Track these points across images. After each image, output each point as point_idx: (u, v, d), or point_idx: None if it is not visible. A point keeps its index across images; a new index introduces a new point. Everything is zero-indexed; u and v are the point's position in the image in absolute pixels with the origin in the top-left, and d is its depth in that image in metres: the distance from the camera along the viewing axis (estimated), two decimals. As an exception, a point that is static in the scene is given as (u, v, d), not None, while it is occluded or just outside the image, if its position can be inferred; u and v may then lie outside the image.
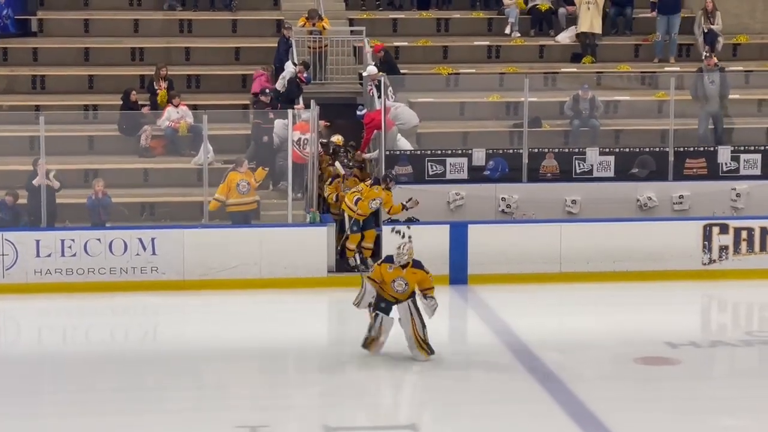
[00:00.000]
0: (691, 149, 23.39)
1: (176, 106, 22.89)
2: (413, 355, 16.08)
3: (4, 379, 15.84)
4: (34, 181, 21.08)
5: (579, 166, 23.09)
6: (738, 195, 22.66)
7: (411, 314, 15.72)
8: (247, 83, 24.35)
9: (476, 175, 22.83)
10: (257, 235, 21.17)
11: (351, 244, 21.08)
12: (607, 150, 23.29)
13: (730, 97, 24.06)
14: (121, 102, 23.30)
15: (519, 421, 14.11)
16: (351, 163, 22.26)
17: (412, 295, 15.92)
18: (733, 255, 21.58)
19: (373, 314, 15.42)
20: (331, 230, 21.30)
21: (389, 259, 15.70)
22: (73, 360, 17.46)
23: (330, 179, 22.12)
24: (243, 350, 17.78)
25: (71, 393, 15.62)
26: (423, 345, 15.66)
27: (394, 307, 15.74)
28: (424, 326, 15.68)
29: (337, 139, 23.07)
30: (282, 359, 17.39)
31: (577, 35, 25.73)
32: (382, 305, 15.68)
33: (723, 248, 21.53)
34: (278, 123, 22.47)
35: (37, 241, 20.59)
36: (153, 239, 20.61)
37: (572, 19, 25.76)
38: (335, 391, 15.70)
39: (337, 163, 22.37)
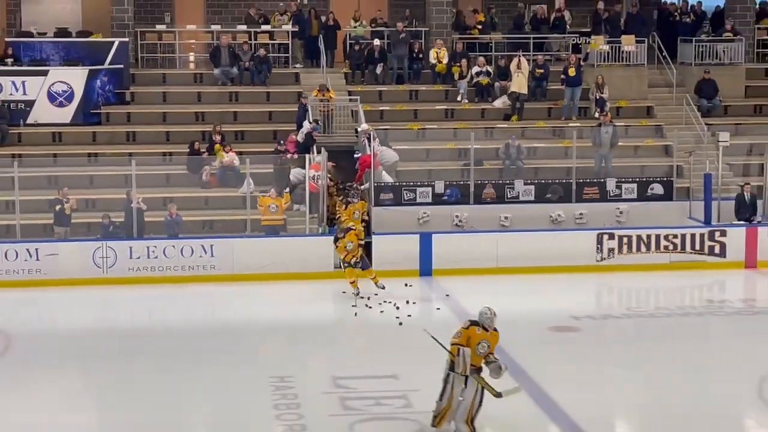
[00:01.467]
0: (588, 180, 23.44)
1: (227, 153, 22.99)
2: (456, 427, 12.60)
3: (107, 347, 16.21)
4: (132, 204, 21.19)
5: (509, 193, 23.21)
6: (621, 212, 22.83)
7: (476, 390, 12.40)
8: (278, 136, 24.23)
9: (437, 200, 22.95)
10: (284, 242, 21.37)
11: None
12: (529, 181, 23.35)
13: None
14: (188, 150, 23.44)
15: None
16: (353, 192, 22.07)
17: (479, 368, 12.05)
18: (618, 254, 21.72)
19: (446, 375, 11.69)
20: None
21: (476, 323, 12.32)
22: (156, 332, 17.72)
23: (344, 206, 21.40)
24: (274, 323, 18.02)
25: (156, 356, 16.00)
26: (470, 423, 12.37)
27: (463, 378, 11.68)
28: (480, 406, 12.26)
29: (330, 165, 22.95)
30: (301, 330, 17.34)
31: (509, 94, 25.57)
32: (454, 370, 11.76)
33: (611, 250, 21.67)
34: (294, 170, 22.60)
35: (130, 248, 20.68)
36: (212, 246, 20.73)
37: (504, 90, 25.72)
38: (340, 352, 15.97)
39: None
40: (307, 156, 22.35)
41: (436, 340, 12.18)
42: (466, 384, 11.41)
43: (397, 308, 18.07)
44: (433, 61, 26.63)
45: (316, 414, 12.77)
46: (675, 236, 21.84)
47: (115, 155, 23.46)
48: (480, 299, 18.93)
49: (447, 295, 19.97)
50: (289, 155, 23.03)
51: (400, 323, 17.01)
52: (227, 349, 16.16)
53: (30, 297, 19.65)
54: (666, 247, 21.81)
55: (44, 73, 24.61)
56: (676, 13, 28.93)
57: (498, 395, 11.65)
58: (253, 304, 19.04)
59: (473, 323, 11.94)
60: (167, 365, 15.47)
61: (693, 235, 21.67)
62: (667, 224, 22.04)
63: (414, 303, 18.74)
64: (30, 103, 24.46)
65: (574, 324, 17.64)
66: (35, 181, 22.26)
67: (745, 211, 22.40)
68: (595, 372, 15.11)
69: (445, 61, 26.50)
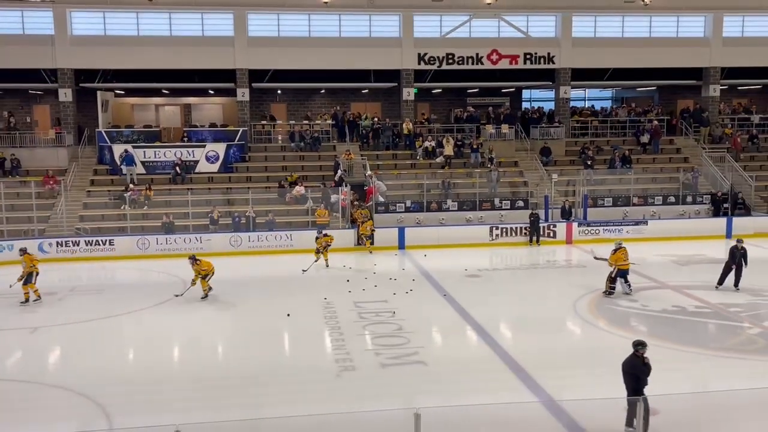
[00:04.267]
0: (485, 199, 23.13)
1: (299, 186, 22.91)
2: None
3: (233, 290, 15.50)
4: (248, 213, 21.32)
5: (444, 206, 22.91)
6: (502, 215, 22.55)
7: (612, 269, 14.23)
8: (324, 178, 23.94)
9: (407, 210, 22.61)
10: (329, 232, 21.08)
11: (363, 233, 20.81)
12: (455, 200, 23.14)
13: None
14: (278, 185, 23.27)
15: (428, 305, 14.53)
16: (366, 206, 22.04)
17: None
18: (500, 237, 21.66)
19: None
20: (354, 231, 21.15)
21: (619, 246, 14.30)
22: (264, 280, 17.27)
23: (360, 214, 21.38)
24: (321, 274, 17.75)
25: (263, 291, 15.77)
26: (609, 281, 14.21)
27: None
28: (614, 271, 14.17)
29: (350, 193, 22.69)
30: (335, 280, 16.92)
31: (443, 156, 25.14)
32: None
33: (497, 235, 21.65)
34: (333, 195, 22.39)
35: (248, 236, 20.80)
36: (291, 234, 20.79)
37: (440, 153, 25.28)
38: (358, 289, 15.59)
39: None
40: (339, 188, 22.51)
41: (600, 257, 14.71)
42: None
43: (392, 280, 16.57)
44: (405, 132, 26.17)
45: (346, 319, 13.29)
46: (527, 228, 21.59)
47: (239, 188, 23.31)
48: (430, 261, 19.37)
49: (425, 255, 19.65)
50: (330, 188, 22.96)
51: (303, 271, 17.35)
52: (301, 287, 16.15)
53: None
54: (525, 233, 21.66)
55: (203, 146, 24.54)
56: (529, 113, 28.98)
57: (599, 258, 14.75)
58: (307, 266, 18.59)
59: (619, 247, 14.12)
60: (269, 295, 15.47)
61: (540, 227, 21.54)
62: (525, 221, 21.70)
63: (403, 269, 18.26)
64: (196, 162, 24.41)
65: (477, 273, 17.63)
66: (199, 201, 22.30)
67: (566, 214, 22.48)
68: (488, 296, 15.37)
69: (410, 129, 26.19)
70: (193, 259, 14.80)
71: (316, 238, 18.70)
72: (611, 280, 14.34)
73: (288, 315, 13.19)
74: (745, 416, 8.50)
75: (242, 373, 10.30)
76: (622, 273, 14.30)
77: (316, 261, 18.15)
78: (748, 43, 27.77)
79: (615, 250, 14.36)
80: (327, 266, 18.35)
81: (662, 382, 9.43)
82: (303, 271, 17.35)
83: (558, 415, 8.36)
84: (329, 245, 18.56)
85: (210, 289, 14.86)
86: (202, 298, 14.72)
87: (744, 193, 24.11)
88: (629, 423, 7.31)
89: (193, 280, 14.72)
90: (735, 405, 8.65)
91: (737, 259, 14.40)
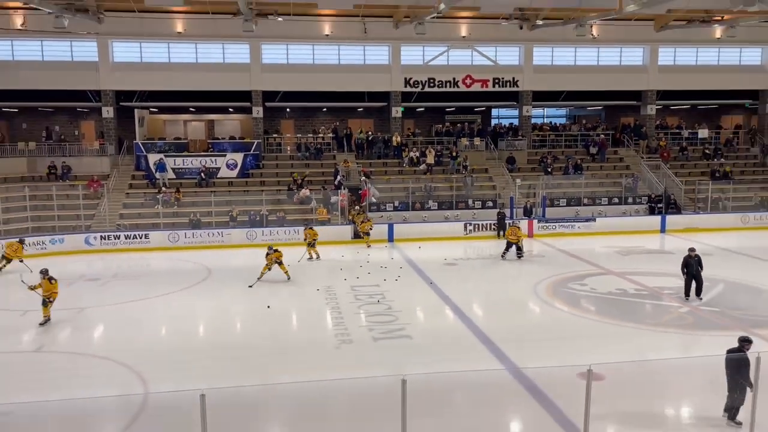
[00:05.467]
0: (460, 201, 23.08)
1: (305, 189, 22.64)
2: None
3: (248, 273, 15.30)
4: (262, 212, 21.16)
5: (426, 206, 22.81)
6: (474, 214, 22.48)
7: None
8: (326, 183, 23.64)
9: (395, 209, 22.54)
10: (328, 227, 20.86)
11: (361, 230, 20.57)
12: (435, 201, 23.03)
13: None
14: (287, 187, 23.01)
15: (413, 289, 14.43)
16: (361, 206, 21.99)
17: None
18: (474, 232, 21.57)
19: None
20: (351, 228, 20.95)
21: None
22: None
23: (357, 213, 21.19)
24: (324, 263, 17.47)
25: (271, 277, 15.30)
26: None
27: None
28: None
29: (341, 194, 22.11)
30: (334, 268, 16.63)
31: (426, 164, 24.90)
32: None
33: (470, 230, 21.50)
34: (333, 197, 22.19)
35: (262, 231, 20.46)
36: (298, 230, 20.11)
37: (423, 161, 25.03)
38: (353, 276, 15.47)
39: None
40: (338, 190, 22.35)
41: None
42: None
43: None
44: (394, 143, 25.98)
45: (344, 301, 13.20)
46: (495, 224, 21.38)
47: (254, 191, 23.01)
48: (414, 251, 19.20)
49: (419, 247, 19.38)
50: (331, 190, 22.78)
51: (250, 286, 14.31)
52: (306, 274, 15.84)
53: (217, 254, 19.23)
54: (493, 228, 21.48)
55: (224, 155, 24.24)
56: (497, 128, 28.86)
57: None
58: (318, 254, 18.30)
59: None
60: (279, 281, 14.93)
61: (506, 223, 21.37)
62: (494, 219, 21.52)
63: (392, 258, 18.00)
64: (218, 169, 23.93)
65: (454, 261, 17.51)
66: (220, 202, 22.12)
67: (527, 213, 22.38)
68: (463, 281, 15.24)
69: (398, 141, 25.97)
70: (271, 249, 14.85)
71: (304, 230, 18.27)
72: (506, 248, 17.61)
73: (268, 307, 12.53)
74: (677, 380, 8.74)
75: (257, 346, 10.30)
76: (511, 244, 17.45)
77: (309, 258, 17.70)
78: (679, 70, 27.95)
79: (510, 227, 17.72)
80: (318, 258, 17.77)
81: (607, 353, 9.59)
82: (249, 286, 14.42)
83: (520, 379, 8.49)
84: (315, 240, 17.79)
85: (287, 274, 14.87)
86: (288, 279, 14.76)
87: (675, 195, 24.27)
88: (732, 417, 6.71)
89: (268, 266, 14.67)
90: (668, 370, 8.83)
91: (693, 268, 12.32)
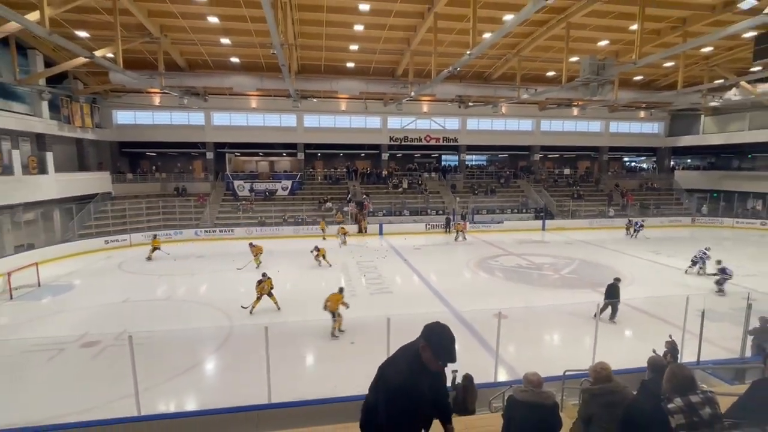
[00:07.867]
0: (438, 212, 22.51)
1: (329, 203, 21.97)
2: None
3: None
4: (300, 217, 20.34)
5: (404, 213, 22.21)
6: (431, 219, 21.77)
7: None
8: (341, 199, 22.85)
9: (384, 215, 21.81)
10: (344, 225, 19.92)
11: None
12: (417, 212, 22.45)
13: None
14: (318, 202, 22.39)
15: (394, 264, 13.50)
16: (363, 213, 21.34)
17: None
18: (431, 229, 20.79)
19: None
20: (357, 226, 20.28)
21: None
22: (298, 252, 14.68)
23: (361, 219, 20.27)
24: (342, 249, 16.20)
25: (292, 259, 13.87)
26: None
27: None
28: None
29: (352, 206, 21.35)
30: (346, 250, 15.71)
31: (403, 188, 24.06)
32: None
33: (429, 228, 20.70)
34: (345, 207, 21.57)
35: (295, 230, 19.87)
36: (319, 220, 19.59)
37: (402, 186, 24.11)
38: (358, 257, 14.57)
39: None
40: (350, 203, 21.76)
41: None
42: None
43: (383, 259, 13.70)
44: (383, 175, 25.47)
45: (353, 271, 12.76)
46: (460, 224, 18.73)
47: (297, 203, 22.43)
48: (401, 242, 18.61)
49: (405, 238, 17.58)
50: (344, 203, 22.20)
51: (243, 307, 9.19)
52: (329, 254, 14.05)
53: (274, 242, 17.28)
54: (442, 227, 20.56)
55: (280, 181, 23.50)
56: (446, 167, 27.91)
57: None
58: (333, 246, 16.13)
59: None
60: (295, 263, 13.51)
61: (450, 224, 20.79)
62: (443, 221, 20.32)
63: (382, 245, 16.83)
64: (276, 190, 23.29)
65: (420, 247, 16.44)
66: (277, 210, 21.16)
67: (463, 217, 21.43)
68: (437, 264, 13.75)
69: (385, 173, 25.37)
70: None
71: (315, 249, 13.55)
72: (456, 235, 17.12)
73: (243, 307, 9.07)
74: (551, 319, 8.96)
75: (296, 298, 10.09)
76: (458, 232, 17.62)
77: (342, 243, 16.13)
78: (553, 134, 28.13)
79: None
80: (345, 243, 16.65)
81: (510, 302, 9.68)
82: (243, 307, 9.20)
83: (460, 318, 8.65)
84: (324, 255, 13.40)
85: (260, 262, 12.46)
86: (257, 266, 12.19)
87: (550, 207, 24.44)
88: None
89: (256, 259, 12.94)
90: (546, 313, 9.19)
91: (616, 295, 8.32)
